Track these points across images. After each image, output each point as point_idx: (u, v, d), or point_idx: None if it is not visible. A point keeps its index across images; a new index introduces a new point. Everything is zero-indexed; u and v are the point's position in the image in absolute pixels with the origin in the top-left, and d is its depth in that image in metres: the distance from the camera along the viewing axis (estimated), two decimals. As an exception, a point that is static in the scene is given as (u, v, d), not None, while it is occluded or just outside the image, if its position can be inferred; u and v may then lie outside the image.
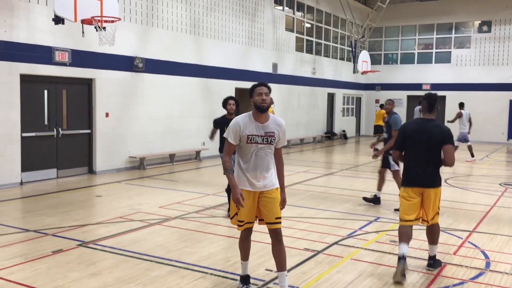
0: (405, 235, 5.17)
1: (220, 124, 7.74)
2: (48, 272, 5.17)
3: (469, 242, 6.57)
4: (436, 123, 5.34)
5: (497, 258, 5.90)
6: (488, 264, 5.66)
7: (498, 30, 24.61)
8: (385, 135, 8.73)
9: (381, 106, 20.06)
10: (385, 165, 8.69)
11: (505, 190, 10.70)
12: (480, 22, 25.51)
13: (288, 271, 5.26)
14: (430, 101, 5.33)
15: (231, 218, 4.65)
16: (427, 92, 5.67)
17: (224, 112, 7.87)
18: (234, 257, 5.75)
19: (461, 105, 17.03)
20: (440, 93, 21.12)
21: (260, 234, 6.82)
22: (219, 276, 5.12)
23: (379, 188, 8.89)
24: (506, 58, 24.42)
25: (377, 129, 19.46)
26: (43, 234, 6.59)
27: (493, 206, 8.94)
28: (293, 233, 6.80)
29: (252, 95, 4.41)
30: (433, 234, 5.41)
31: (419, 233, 6.62)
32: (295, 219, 7.70)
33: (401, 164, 5.75)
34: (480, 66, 24.94)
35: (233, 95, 16.89)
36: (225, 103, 7.80)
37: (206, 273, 5.20)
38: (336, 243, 6.37)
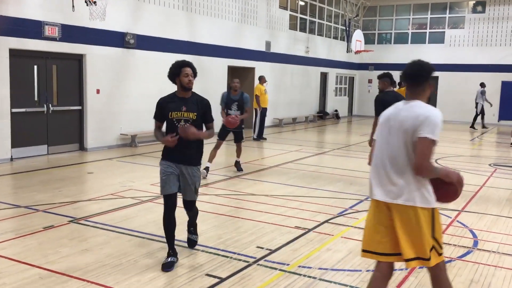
0: None
1: (166, 109, 4.80)
2: (39, 247, 5.18)
3: (457, 221, 6.66)
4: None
5: (485, 237, 5.99)
6: (476, 243, 5.74)
7: (492, 11, 24.51)
8: (237, 112, 9.34)
9: (400, 84, 18.59)
10: (237, 138, 9.59)
11: (494, 171, 10.81)
12: (474, 2, 25.38)
13: (279, 248, 5.33)
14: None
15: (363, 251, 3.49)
16: None
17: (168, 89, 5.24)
18: (226, 234, 5.79)
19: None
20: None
21: (251, 212, 6.85)
22: (210, 253, 5.15)
23: (213, 157, 9.34)
24: (499, 39, 24.39)
25: None
26: (34, 210, 6.58)
27: (482, 186, 9.03)
28: (284, 211, 6.85)
29: (426, 81, 3.36)
30: None
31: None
32: (286, 197, 7.74)
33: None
34: (474, 47, 24.89)
35: (226, 73, 16.76)
36: (177, 73, 4.69)
37: (198, 250, 5.23)
38: (326, 221, 6.43)
